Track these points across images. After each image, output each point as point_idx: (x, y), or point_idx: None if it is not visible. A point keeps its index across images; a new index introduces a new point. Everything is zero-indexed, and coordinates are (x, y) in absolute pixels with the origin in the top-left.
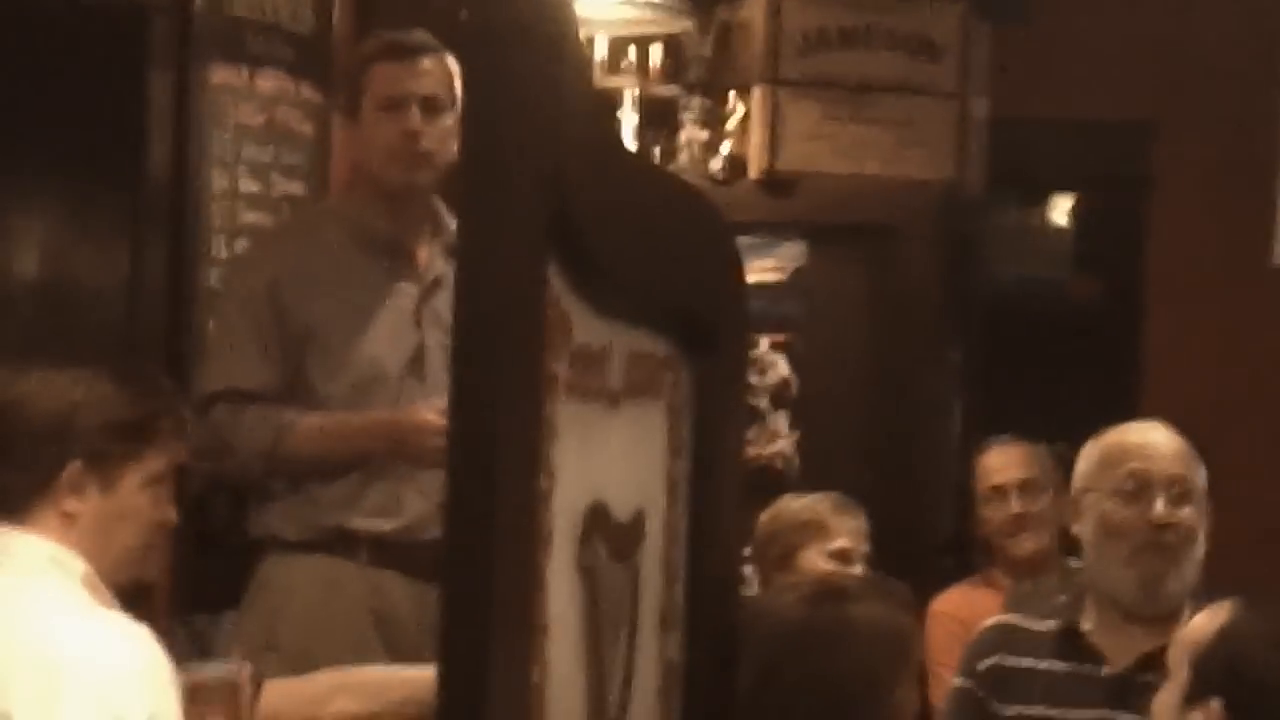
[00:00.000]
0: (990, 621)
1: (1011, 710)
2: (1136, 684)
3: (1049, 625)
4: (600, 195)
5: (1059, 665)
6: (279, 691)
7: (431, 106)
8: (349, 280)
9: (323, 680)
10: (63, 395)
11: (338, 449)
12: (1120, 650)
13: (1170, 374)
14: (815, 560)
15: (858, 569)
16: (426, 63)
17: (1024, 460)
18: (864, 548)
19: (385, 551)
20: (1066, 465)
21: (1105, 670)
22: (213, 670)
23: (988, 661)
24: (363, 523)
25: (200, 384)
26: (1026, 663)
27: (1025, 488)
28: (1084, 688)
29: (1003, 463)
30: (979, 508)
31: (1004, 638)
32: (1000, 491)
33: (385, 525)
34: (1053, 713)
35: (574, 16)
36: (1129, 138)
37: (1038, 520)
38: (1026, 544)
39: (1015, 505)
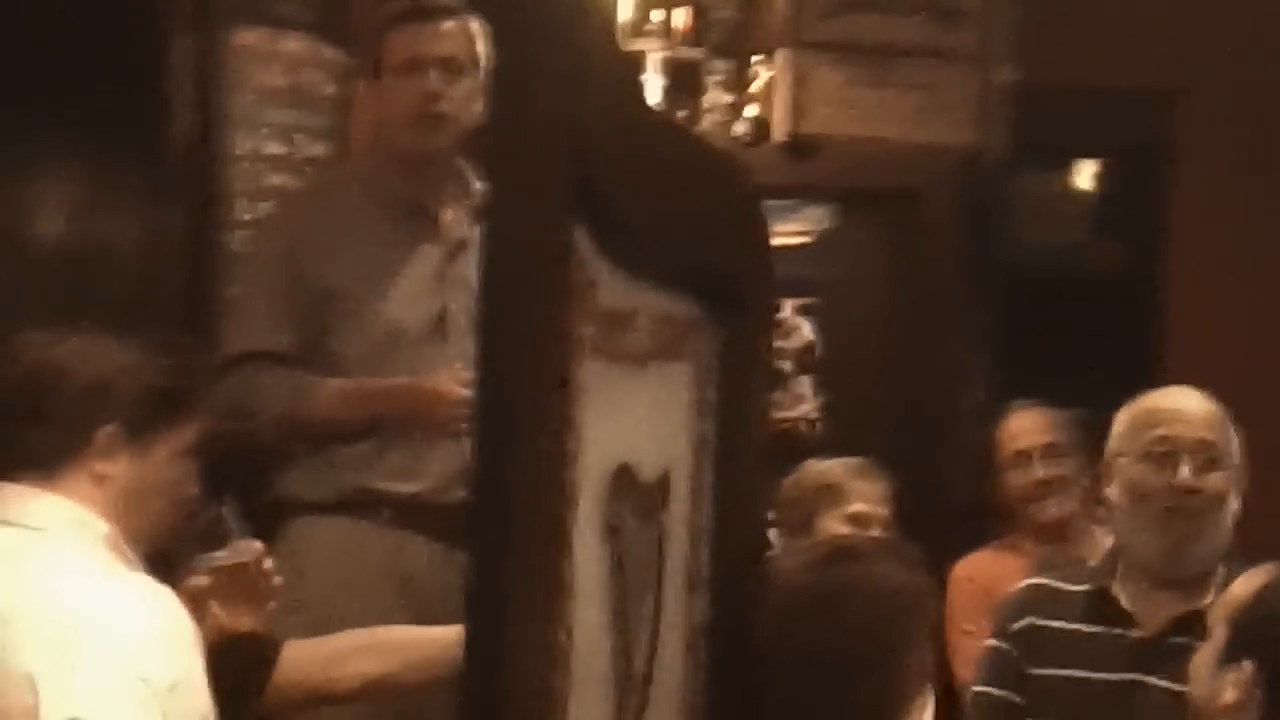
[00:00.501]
0: (1023, 582)
1: (1043, 672)
2: (1166, 647)
3: (1081, 588)
4: (626, 158)
5: (1090, 628)
6: (298, 652)
7: (451, 68)
8: (370, 242)
9: (342, 640)
10: (102, 360)
11: (357, 412)
12: (1150, 614)
13: (1192, 341)
14: (832, 525)
15: (875, 533)
16: (447, 24)
17: (1047, 425)
18: (882, 512)
19: (407, 513)
20: (1089, 431)
21: (1135, 633)
22: (228, 555)
23: (1021, 622)
24: (384, 484)
25: (224, 346)
26: (1058, 624)
27: (1049, 452)
28: (1114, 651)
29: (1026, 428)
30: (1002, 473)
31: (1036, 599)
32: (1024, 456)
33: (407, 487)
34: (1083, 675)
35: None
36: (1153, 104)
37: (1061, 485)
38: (1050, 509)
39: (1039, 470)
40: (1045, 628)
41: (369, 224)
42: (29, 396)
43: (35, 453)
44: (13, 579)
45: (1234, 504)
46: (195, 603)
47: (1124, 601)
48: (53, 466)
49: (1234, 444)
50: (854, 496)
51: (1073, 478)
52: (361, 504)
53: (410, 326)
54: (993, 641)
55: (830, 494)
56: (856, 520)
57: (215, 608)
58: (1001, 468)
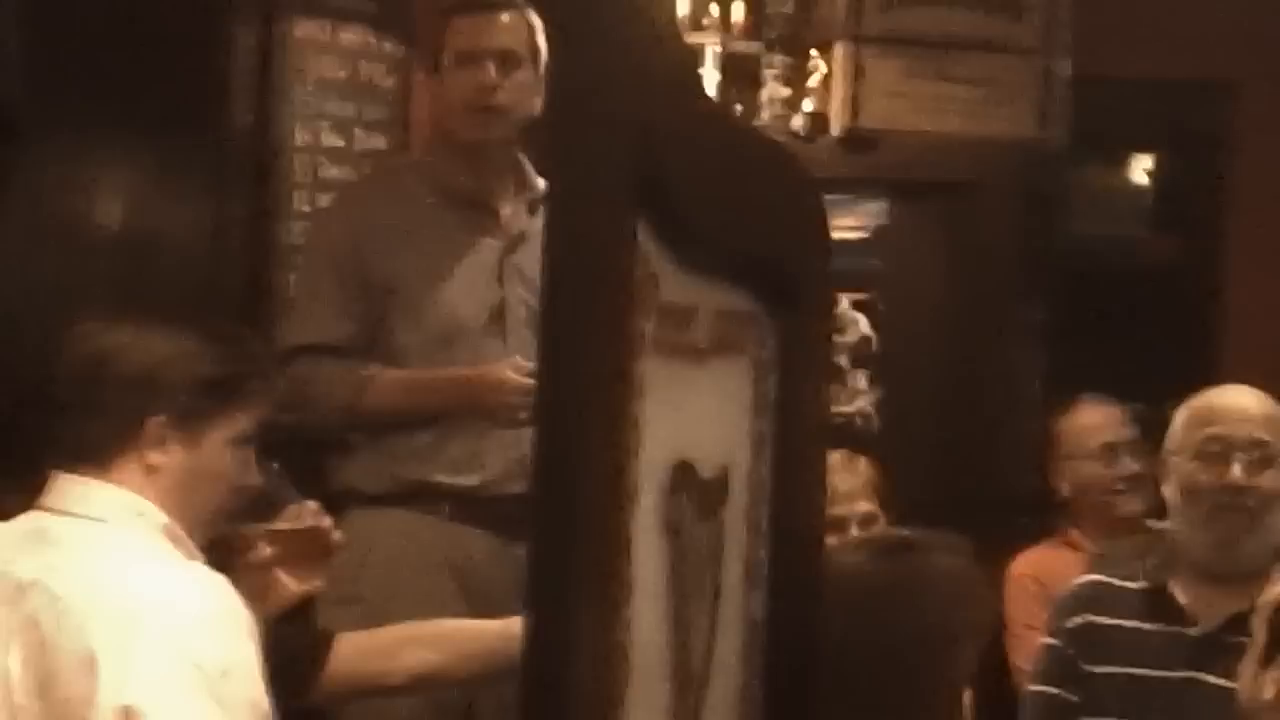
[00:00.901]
0: (1079, 580)
1: (1099, 670)
2: (1222, 644)
3: (1137, 585)
4: (688, 152)
5: (1147, 625)
6: (350, 644)
7: (508, 60)
8: (430, 234)
9: (394, 632)
10: (151, 349)
11: (417, 404)
12: (1207, 611)
13: (1249, 334)
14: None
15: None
16: (505, 17)
17: (1124, 419)
18: (866, 508)
19: (466, 506)
20: (1144, 425)
21: (1192, 631)
22: (285, 520)
23: (1077, 620)
24: (443, 477)
25: (282, 337)
26: (1114, 622)
27: (1133, 448)
28: (1171, 648)
29: (1108, 420)
30: (1076, 465)
31: (1093, 596)
32: (1109, 449)
33: (467, 480)
34: (1140, 672)
35: None
36: (1210, 96)
37: (1140, 481)
38: (1134, 504)
39: (1126, 464)
40: (1102, 625)
41: (429, 216)
42: (79, 388)
43: (88, 443)
44: (73, 567)
45: None
46: (262, 572)
47: (1180, 599)
48: (105, 457)
49: None
50: (832, 498)
51: (1149, 474)
52: (420, 496)
53: (469, 319)
54: (1049, 640)
55: None
56: (834, 524)
57: (282, 575)
58: (1076, 460)
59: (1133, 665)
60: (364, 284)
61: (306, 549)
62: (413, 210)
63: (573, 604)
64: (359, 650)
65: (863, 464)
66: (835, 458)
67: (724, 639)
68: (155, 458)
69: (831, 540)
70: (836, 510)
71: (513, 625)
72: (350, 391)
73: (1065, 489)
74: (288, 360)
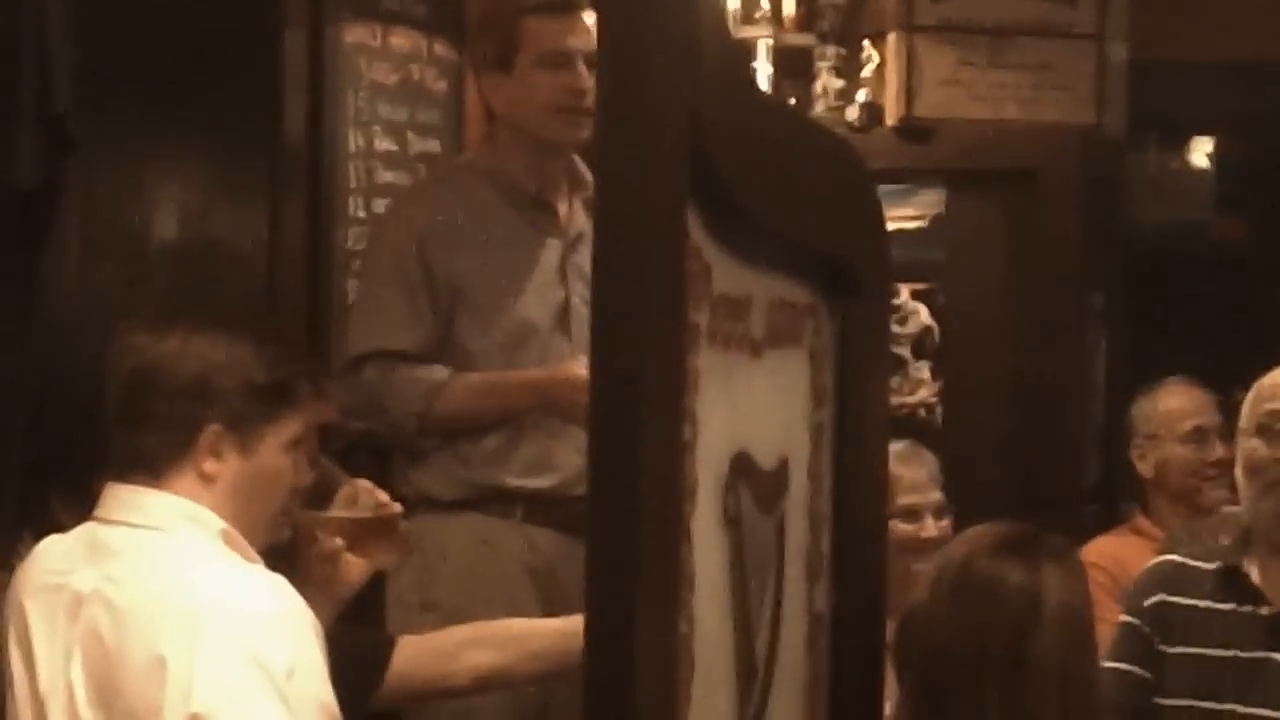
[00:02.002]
0: (1155, 559)
1: (1175, 650)
2: None
3: (1212, 565)
4: (740, 143)
5: (1221, 605)
6: (413, 646)
7: (591, 62)
8: (497, 236)
9: (456, 634)
10: (201, 358)
11: (491, 407)
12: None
13: None
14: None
15: (929, 523)
16: (587, 17)
17: (1212, 404)
18: (935, 498)
19: (540, 508)
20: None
21: (1265, 610)
22: (345, 508)
23: (1152, 599)
24: (516, 480)
25: (351, 343)
26: (1190, 602)
27: (1224, 432)
28: (1245, 627)
29: (1198, 405)
30: (1161, 448)
31: (1168, 576)
32: (1202, 433)
33: (539, 482)
34: (1215, 652)
35: None
36: (1270, 78)
37: (1229, 467)
38: (1220, 490)
39: (1220, 449)
40: (1177, 605)
41: (495, 217)
42: (131, 399)
43: (143, 454)
44: (137, 575)
45: None
46: (330, 561)
47: (1254, 578)
48: (161, 467)
49: None
50: (901, 488)
51: (1232, 461)
52: (494, 500)
53: (537, 320)
54: (1125, 617)
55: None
56: (908, 514)
57: (351, 559)
58: (1164, 442)
59: (1206, 645)
60: (431, 288)
61: (374, 531)
62: (477, 212)
63: (633, 599)
64: (422, 652)
65: (927, 455)
66: (900, 448)
67: (787, 631)
68: (211, 466)
69: (907, 528)
70: (908, 500)
71: (575, 623)
72: (424, 396)
73: (1148, 471)
74: (358, 367)
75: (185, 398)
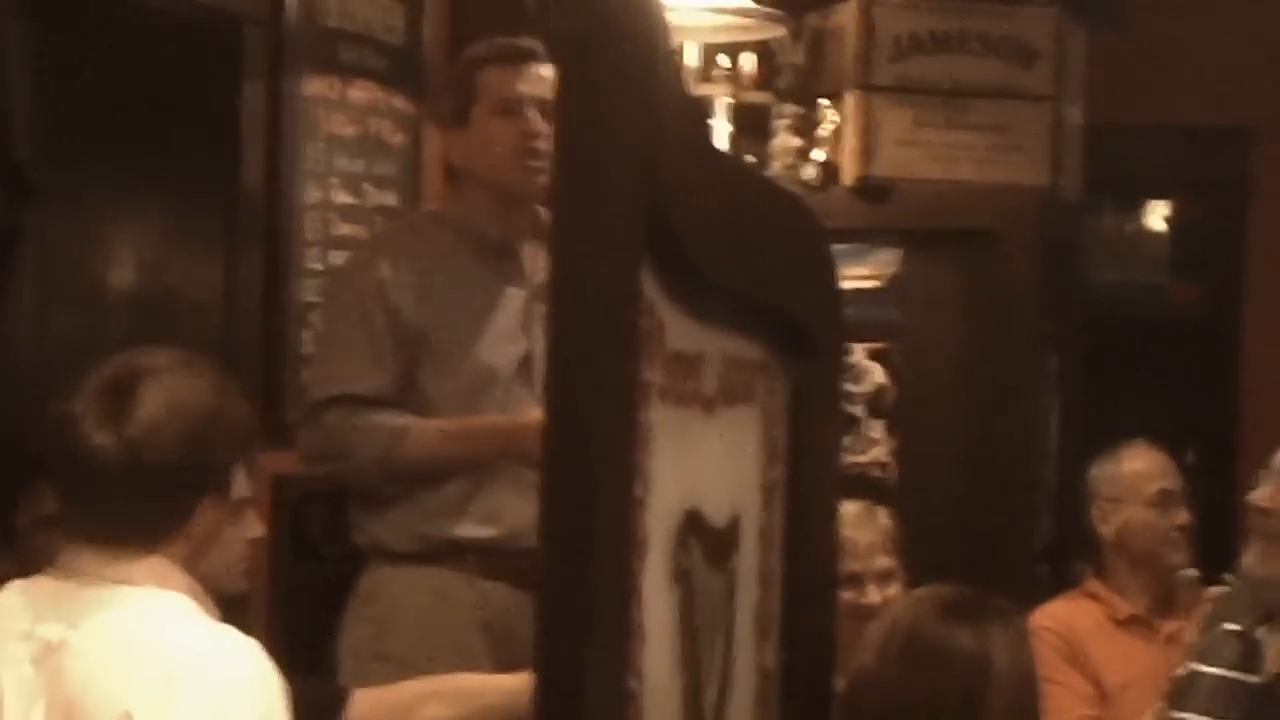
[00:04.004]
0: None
1: None
2: None
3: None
4: (695, 201)
5: None
6: (368, 700)
7: (545, 110)
8: (461, 283)
9: (412, 687)
10: (199, 431)
11: (454, 453)
12: None
13: (1270, 380)
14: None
15: (871, 590)
16: (540, 67)
17: (1175, 468)
18: (885, 563)
19: (491, 560)
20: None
21: None
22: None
23: None
24: (470, 531)
25: (313, 388)
26: None
27: (1184, 497)
28: None
29: (1162, 468)
30: (1123, 511)
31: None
32: (1167, 496)
33: (489, 532)
34: None
35: (666, 23)
36: (1226, 143)
37: (1190, 532)
38: (1181, 555)
39: (1184, 513)
40: None
41: (460, 265)
42: (119, 473)
43: (130, 526)
44: (111, 629)
45: None
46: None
47: None
48: (157, 538)
49: None
50: (846, 553)
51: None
52: (447, 553)
53: (498, 367)
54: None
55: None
56: (851, 580)
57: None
58: (1127, 505)
59: None
60: (394, 332)
61: None
62: (441, 259)
63: (583, 654)
64: (377, 706)
65: (881, 516)
66: (853, 510)
67: (737, 688)
68: (197, 530)
69: (848, 596)
70: (853, 566)
71: (529, 679)
72: (388, 441)
73: (1109, 534)
74: (320, 411)
75: (185, 474)
